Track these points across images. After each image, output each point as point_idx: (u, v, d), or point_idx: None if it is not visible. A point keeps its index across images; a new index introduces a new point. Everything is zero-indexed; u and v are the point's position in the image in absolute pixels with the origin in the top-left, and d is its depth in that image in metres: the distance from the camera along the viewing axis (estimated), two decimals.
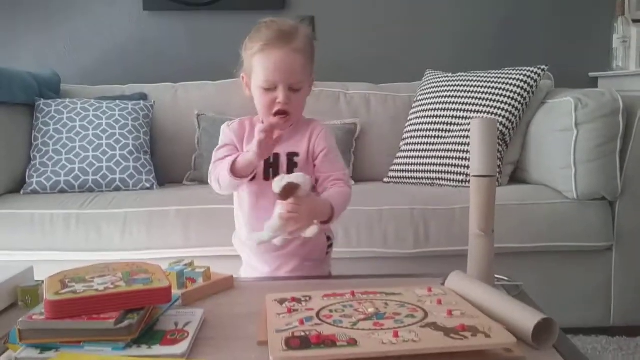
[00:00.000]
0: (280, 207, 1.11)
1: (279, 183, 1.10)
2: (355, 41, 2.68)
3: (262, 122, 1.30)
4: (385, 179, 2.20)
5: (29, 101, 2.18)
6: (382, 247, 1.78)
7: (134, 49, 2.67)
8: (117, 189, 2.04)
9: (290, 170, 1.24)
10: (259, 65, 1.22)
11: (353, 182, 2.09)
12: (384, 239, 1.78)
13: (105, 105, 2.18)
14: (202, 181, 2.22)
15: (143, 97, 2.38)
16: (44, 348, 0.81)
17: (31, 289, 1.05)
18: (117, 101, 2.23)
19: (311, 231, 1.16)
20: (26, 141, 2.12)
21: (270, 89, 1.21)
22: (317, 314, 0.88)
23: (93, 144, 2.07)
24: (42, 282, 1.10)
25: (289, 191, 1.10)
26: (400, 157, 2.17)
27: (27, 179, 2.02)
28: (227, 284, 1.14)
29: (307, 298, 0.97)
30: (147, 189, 2.06)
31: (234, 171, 1.21)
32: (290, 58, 1.19)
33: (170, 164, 2.30)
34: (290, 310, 0.90)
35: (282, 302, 0.95)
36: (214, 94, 2.42)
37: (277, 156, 1.26)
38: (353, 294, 0.98)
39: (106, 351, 0.80)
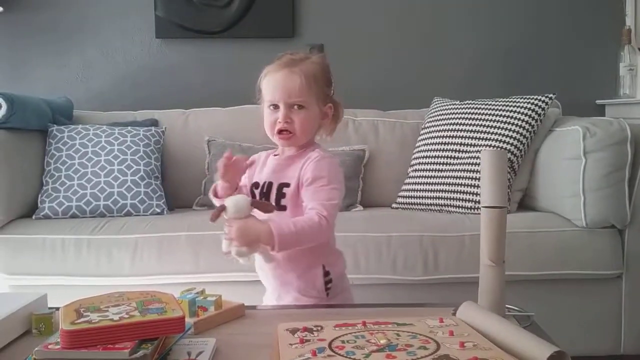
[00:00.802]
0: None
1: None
2: (364, 68, 2.72)
3: (275, 155, 1.34)
4: (394, 205, 2.21)
5: (42, 127, 2.21)
6: (390, 273, 1.79)
7: (145, 75, 2.72)
8: (128, 214, 2.05)
9: (278, 201, 1.28)
10: (264, 88, 1.33)
11: (360, 208, 2.10)
12: (393, 265, 1.78)
13: (117, 131, 2.21)
14: (212, 206, 2.23)
15: (154, 123, 2.41)
16: None
17: (45, 316, 1.06)
18: (129, 127, 2.26)
19: (240, 253, 1.18)
20: (38, 166, 2.15)
21: (273, 109, 1.29)
22: (329, 345, 0.89)
23: (105, 169, 2.10)
24: (56, 309, 1.11)
25: (216, 213, 1.20)
26: (409, 184, 2.19)
27: (39, 204, 2.04)
28: (238, 312, 1.15)
29: (319, 328, 0.97)
30: (158, 214, 2.08)
31: (214, 191, 1.34)
32: (290, 78, 1.26)
33: (180, 188, 2.32)
34: (302, 341, 0.90)
35: (293, 332, 0.96)
36: (224, 120, 2.45)
37: (270, 185, 1.30)
38: (364, 324, 0.98)
39: None
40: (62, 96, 2.48)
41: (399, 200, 2.19)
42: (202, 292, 1.17)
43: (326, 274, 1.31)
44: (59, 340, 0.84)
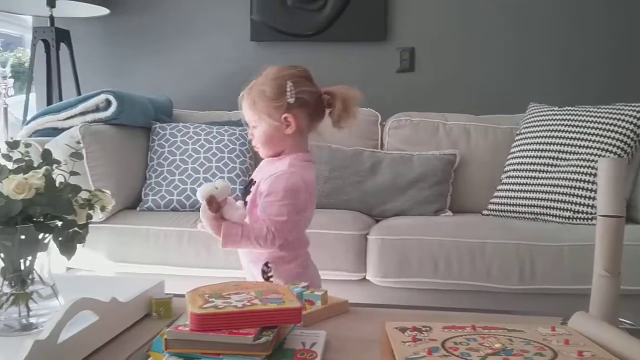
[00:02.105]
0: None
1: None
2: (455, 72, 2.69)
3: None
4: (485, 212, 2.17)
5: (147, 124, 2.34)
6: (484, 280, 1.76)
7: (241, 76, 2.78)
8: None
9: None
10: None
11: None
12: (487, 272, 1.76)
13: (215, 130, 2.31)
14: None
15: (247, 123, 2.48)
16: (186, 357, 0.87)
17: (164, 301, 1.12)
18: (226, 126, 2.35)
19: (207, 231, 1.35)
20: (143, 161, 2.28)
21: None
22: (442, 345, 0.89)
23: (203, 166, 2.19)
24: (172, 295, 1.18)
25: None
26: (502, 190, 2.15)
27: (142, 197, 2.17)
28: (343, 308, 1.17)
29: (428, 328, 0.98)
30: None
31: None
32: (244, 103, 1.43)
33: None
34: (414, 339, 0.92)
35: (403, 330, 0.97)
36: None
37: (252, 182, 1.47)
38: (474, 327, 0.98)
39: None
40: (163, 95, 2.61)
41: (491, 206, 2.16)
42: (308, 286, 1.20)
43: (265, 272, 1.40)
44: (187, 322, 0.89)
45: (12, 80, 3.01)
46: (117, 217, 2.04)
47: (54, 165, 1.02)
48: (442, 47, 2.70)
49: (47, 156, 1.02)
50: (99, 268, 1.97)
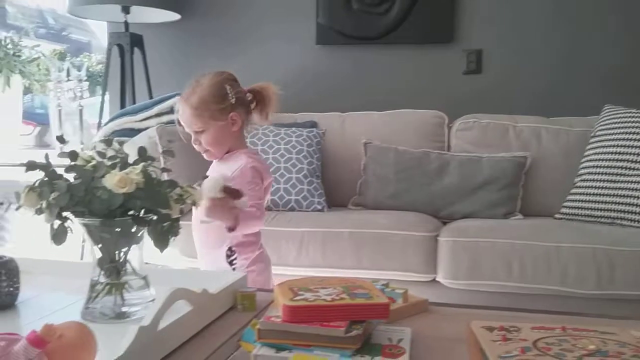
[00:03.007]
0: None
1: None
2: (525, 74, 2.64)
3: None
4: (557, 215, 2.12)
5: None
6: (559, 285, 1.73)
7: (305, 80, 2.85)
8: (292, 209, 2.17)
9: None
10: None
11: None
12: (563, 277, 1.72)
13: (283, 132, 2.35)
14: (367, 206, 2.31)
15: (313, 124, 2.52)
16: (278, 348, 0.90)
17: (249, 294, 1.16)
18: (293, 128, 2.39)
19: (205, 221, 1.42)
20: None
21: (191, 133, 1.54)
22: (534, 345, 0.88)
23: (272, 166, 2.24)
24: (256, 289, 1.22)
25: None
26: (576, 193, 2.09)
27: None
28: (423, 307, 1.18)
29: (516, 328, 0.97)
30: (318, 210, 2.18)
31: None
32: (185, 112, 1.52)
33: (336, 188, 2.41)
34: (504, 339, 0.91)
35: (490, 329, 0.96)
36: (380, 124, 2.50)
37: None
38: (564, 329, 0.97)
39: (334, 357, 0.87)
40: None
41: (564, 210, 2.11)
42: (387, 284, 1.21)
43: (229, 255, 1.55)
44: (279, 314, 0.91)
45: (87, 83, 3.16)
46: (189, 214, 2.10)
47: (149, 162, 1.07)
48: (509, 47, 2.65)
49: (143, 153, 1.07)
50: (171, 262, 2.04)
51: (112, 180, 0.97)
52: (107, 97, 3.02)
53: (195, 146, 1.56)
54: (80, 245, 2.44)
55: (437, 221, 2.08)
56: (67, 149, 1.10)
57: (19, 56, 3.08)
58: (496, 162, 2.21)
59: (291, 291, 0.96)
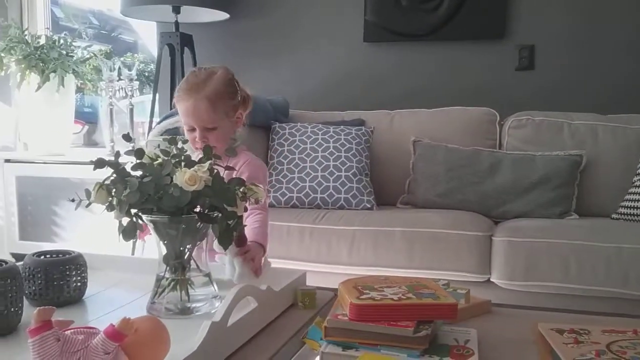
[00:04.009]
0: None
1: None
2: (579, 69, 2.57)
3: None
4: (614, 215, 2.06)
5: (266, 124, 2.43)
6: (620, 287, 1.68)
7: (353, 77, 2.85)
8: (341, 207, 2.17)
9: None
10: (179, 110, 1.46)
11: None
12: (624, 279, 1.67)
13: (332, 130, 2.35)
14: (416, 205, 2.29)
15: (361, 123, 2.51)
16: (345, 346, 0.90)
17: (310, 292, 1.16)
18: (342, 126, 2.39)
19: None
20: (263, 160, 2.35)
21: (190, 129, 1.43)
22: (608, 348, 0.86)
23: (321, 165, 2.24)
24: (316, 287, 1.22)
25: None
26: (634, 193, 2.03)
27: None
28: (486, 308, 1.16)
29: (586, 331, 0.95)
30: (368, 209, 2.17)
31: None
32: (197, 106, 1.40)
33: (384, 186, 2.40)
34: (576, 342, 0.89)
35: (560, 332, 0.95)
36: (429, 121, 2.48)
37: None
38: (636, 332, 0.94)
39: (402, 357, 0.87)
40: (280, 96, 2.69)
41: (621, 210, 2.05)
42: (448, 284, 1.20)
43: None
44: (345, 312, 0.92)
45: (137, 82, 3.23)
46: None
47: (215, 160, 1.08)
48: (564, 43, 2.58)
49: (208, 151, 1.09)
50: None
51: (183, 178, 0.99)
52: (149, 96, 3.08)
53: (195, 144, 1.42)
54: (132, 242, 2.49)
55: (490, 221, 2.04)
56: (120, 147, 1.12)
57: (72, 56, 3.17)
58: (550, 161, 2.16)
59: (356, 290, 0.96)
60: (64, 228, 3.15)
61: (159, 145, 1.13)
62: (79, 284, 1.15)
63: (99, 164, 1.09)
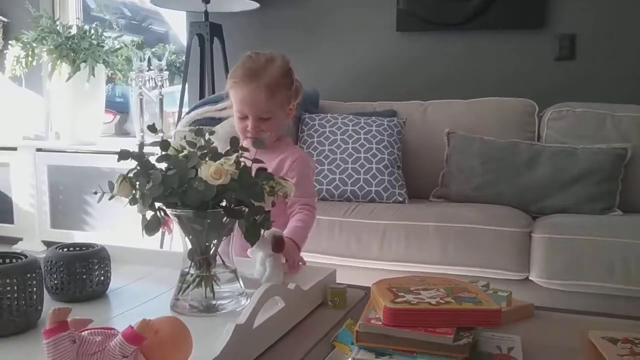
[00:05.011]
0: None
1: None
2: (622, 59, 2.44)
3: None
4: None
5: (296, 114, 2.37)
6: None
7: (385, 67, 2.77)
8: (372, 200, 2.11)
9: None
10: (232, 97, 1.38)
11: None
12: None
13: (363, 121, 2.29)
14: (450, 198, 2.21)
15: (393, 114, 2.44)
16: (378, 352, 0.84)
17: (340, 291, 1.11)
18: (373, 117, 2.32)
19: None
20: None
21: (242, 117, 1.36)
22: None
23: (352, 156, 2.18)
24: (346, 285, 1.17)
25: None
26: None
27: None
28: (528, 312, 1.09)
29: None
30: (400, 202, 2.11)
31: None
32: (256, 94, 1.32)
33: (417, 179, 2.32)
34: (633, 353, 0.82)
35: (613, 341, 0.87)
36: (463, 113, 2.39)
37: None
38: None
39: None
40: (310, 86, 2.63)
41: None
42: (488, 285, 1.13)
43: None
44: (378, 316, 0.86)
45: (167, 72, 3.21)
46: None
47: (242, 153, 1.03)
48: (606, 32, 2.46)
49: (234, 143, 1.04)
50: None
51: (208, 171, 0.94)
52: (178, 86, 3.05)
53: (245, 134, 1.35)
54: (160, 233, 2.48)
55: (528, 216, 1.96)
56: (150, 137, 1.08)
57: (103, 47, 3.16)
58: (593, 154, 2.06)
59: (391, 292, 0.90)
60: (95, 217, 3.17)
61: (184, 137, 1.07)
62: (102, 278, 1.12)
63: (123, 155, 1.05)
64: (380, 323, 0.85)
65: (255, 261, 1.20)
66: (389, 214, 1.92)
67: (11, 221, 3.33)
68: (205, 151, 1.04)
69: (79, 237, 3.11)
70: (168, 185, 0.97)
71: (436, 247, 1.81)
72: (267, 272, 1.16)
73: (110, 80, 3.74)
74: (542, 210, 2.03)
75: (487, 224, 1.78)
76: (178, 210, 1.00)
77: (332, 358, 0.88)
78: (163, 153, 1.05)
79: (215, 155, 1.02)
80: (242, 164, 1.02)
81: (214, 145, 1.08)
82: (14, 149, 3.25)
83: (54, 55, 2.99)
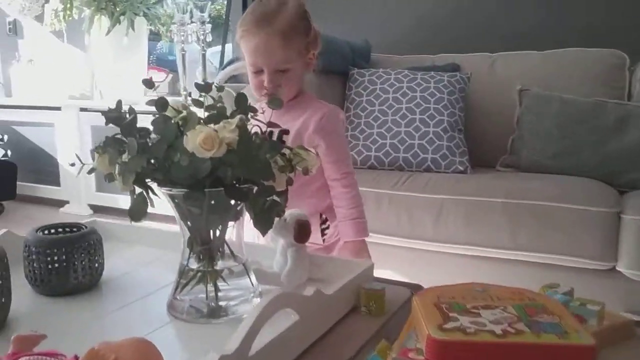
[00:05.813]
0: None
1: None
2: None
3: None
4: None
5: (343, 69, 2.13)
6: None
7: (445, 15, 2.49)
8: (428, 169, 1.86)
9: None
10: (243, 49, 1.22)
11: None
12: None
13: (420, 77, 2.01)
14: (520, 168, 1.93)
15: (455, 68, 2.17)
16: None
17: (377, 293, 0.87)
18: (432, 72, 2.05)
19: None
20: None
21: (256, 72, 1.20)
22: None
23: (406, 118, 1.92)
24: (384, 285, 0.93)
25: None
26: None
27: None
28: (627, 332, 0.82)
29: None
30: (460, 172, 1.85)
31: None
32: (269, 43, 1.16)
33: (482, 144, 2.06)
34: None
35: None
36: (539, 66, 2.12)
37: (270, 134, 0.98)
38: None
39: None
40: (361, 38, 2.36)
41: None
42: (571, 292, 0.86)
43: (323, 221, 1.29)
44: (419, 347, 0.62)
45: (209, 25, 2.99)
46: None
47: (250, 115, 0.80)
48: None
49: (241, 102, 0.80)
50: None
51: (196, 140, 0.71)
52: (229, 46, 2.86)
53: (260, 90, 1.20)
54: None
55: (615, 191, 1.65)
56: (195, 96, 0.88)
57: None
58: None
59: (439, 310, 0.66)
60: None
61: (190, 94, 0.85)
62: (89, 267, 0.93)
63: (109, 118, 0.84)
64: (423, 358, 0.61)
65: (275, 250, 0.98)
66: (447, 186, 1.67)
67: (57, 183, 3.28)
68: (212, 112, 0.82)
69: (124, 202, 3.01)
70: (152, 157, 0.76)
71: (503, 228, 1.56)
72: (288, 266, 0.95)
73: (157, 37, 3.59)
74: (632, 184, 1.75)
75: (566, 201, 1.50)
76: (165, 189, 0.78)
77: None
78: (157, 115, 0.84)
79: (220, 118, 0.80)
80: (253, 128, 0.79)
81: (221, 105, 0.86)
82: (58, 108, 3.16)
83: (93, 8, 2.84)
